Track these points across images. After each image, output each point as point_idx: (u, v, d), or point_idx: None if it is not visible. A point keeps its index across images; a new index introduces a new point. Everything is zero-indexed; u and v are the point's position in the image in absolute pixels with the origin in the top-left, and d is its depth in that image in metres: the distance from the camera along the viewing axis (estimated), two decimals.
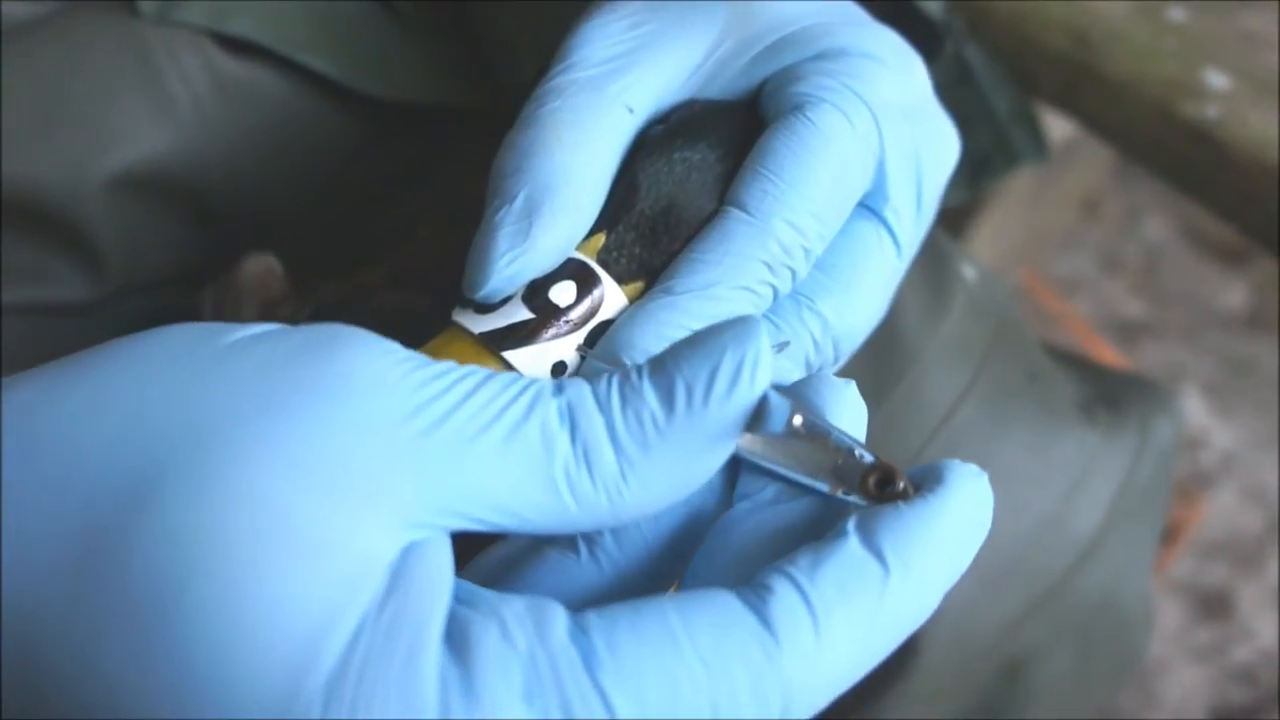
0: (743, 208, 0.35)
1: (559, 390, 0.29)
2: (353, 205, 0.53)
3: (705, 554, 0.30)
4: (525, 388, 0.29)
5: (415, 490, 0.27)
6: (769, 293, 0.35)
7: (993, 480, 0.52)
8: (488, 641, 0.26)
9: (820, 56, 0.37)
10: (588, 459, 0.28)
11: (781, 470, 0.30)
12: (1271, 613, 1.15)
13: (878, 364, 0.50)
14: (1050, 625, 0.53)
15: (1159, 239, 1.37)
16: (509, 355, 0.33)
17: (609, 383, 0.29)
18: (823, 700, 0.27)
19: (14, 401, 0.28)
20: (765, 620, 0.27)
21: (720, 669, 0.26)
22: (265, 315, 0.45)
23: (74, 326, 0.50)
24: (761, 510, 0.30)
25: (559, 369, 0.33)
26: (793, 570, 0.28)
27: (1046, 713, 0.55)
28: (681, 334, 0.33)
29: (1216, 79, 0.65)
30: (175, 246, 0.51)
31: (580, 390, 0.29)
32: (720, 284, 0.34)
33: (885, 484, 0.29)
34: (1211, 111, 0.64)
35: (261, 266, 0.45)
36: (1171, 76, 0.66)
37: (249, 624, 0.26)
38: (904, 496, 0.29)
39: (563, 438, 0.28)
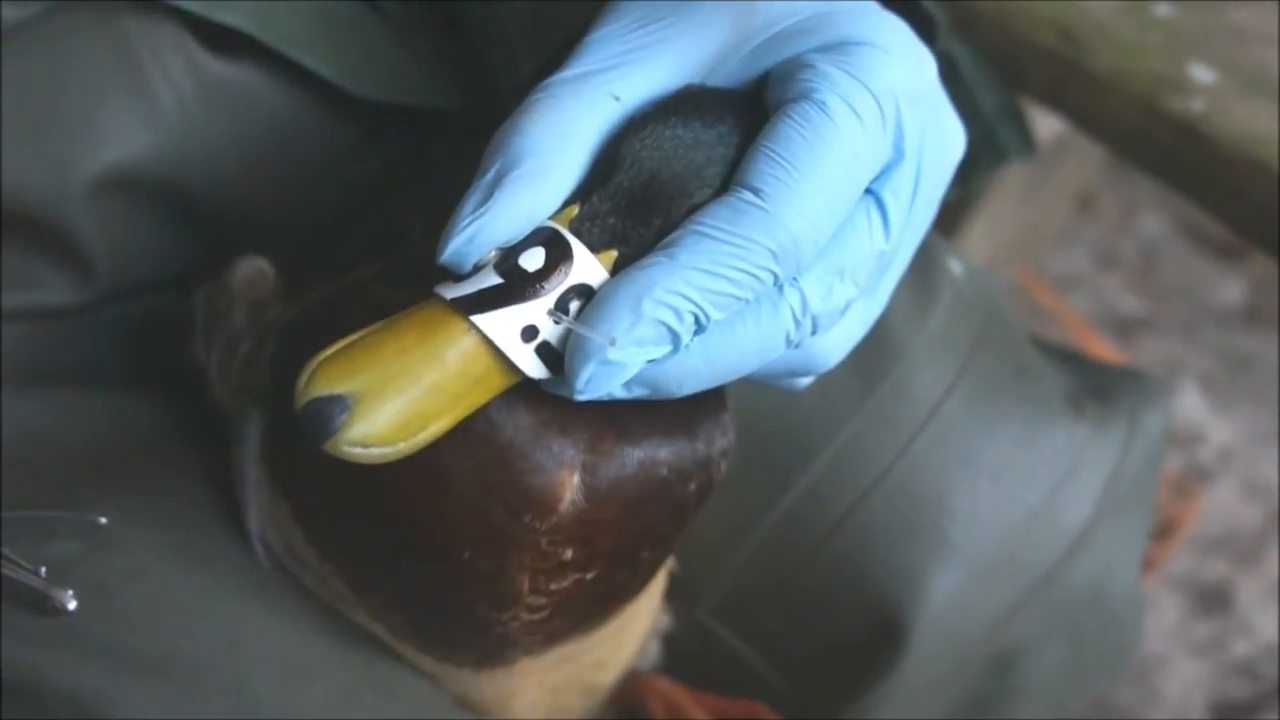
0: (755, 191, 0.34)
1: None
2: (341, 207, 0.53)
3: None
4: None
5: None
6: (770, 280, 0.35)
7: (981, 473, 0.53)
8: None
9: (827, 46, 0.37)
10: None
11: None
12: (1271, 607, 1.15)
13: (865, 359, 0.50)
14: (1041, 618, 0.53)
15: (1155, 234, 1.37)
16: (477, 319, 0.33)
17: None
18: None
19: None
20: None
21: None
22: (255, 316, 0.45)
23: (64, 331, 0.50)
24: None
25: (530, 333, 0.34)
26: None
27: (1039, 705, 0.55)
28: (677, 301, 0.34)
29: (1202, 73, 0.66)
30: (162, 249, 0.51)
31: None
32: (725, 263, 0.34)
33: None
34: (1197, 105, 0.65)
35: (252, 268, 0.46)
36: (1158, 71, 0.66)
37: None
38: None
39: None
